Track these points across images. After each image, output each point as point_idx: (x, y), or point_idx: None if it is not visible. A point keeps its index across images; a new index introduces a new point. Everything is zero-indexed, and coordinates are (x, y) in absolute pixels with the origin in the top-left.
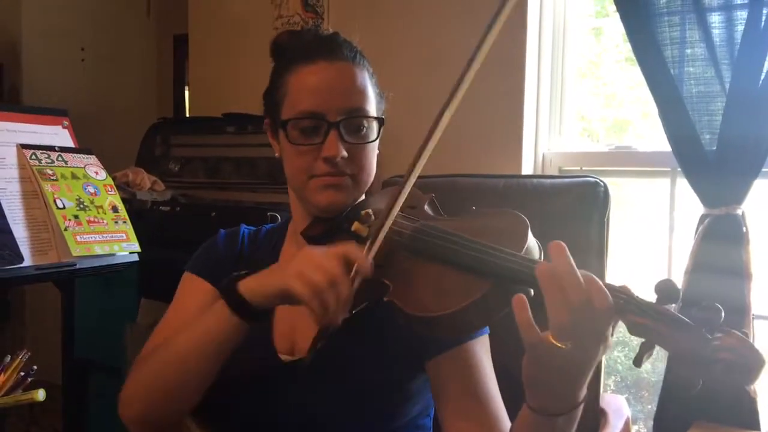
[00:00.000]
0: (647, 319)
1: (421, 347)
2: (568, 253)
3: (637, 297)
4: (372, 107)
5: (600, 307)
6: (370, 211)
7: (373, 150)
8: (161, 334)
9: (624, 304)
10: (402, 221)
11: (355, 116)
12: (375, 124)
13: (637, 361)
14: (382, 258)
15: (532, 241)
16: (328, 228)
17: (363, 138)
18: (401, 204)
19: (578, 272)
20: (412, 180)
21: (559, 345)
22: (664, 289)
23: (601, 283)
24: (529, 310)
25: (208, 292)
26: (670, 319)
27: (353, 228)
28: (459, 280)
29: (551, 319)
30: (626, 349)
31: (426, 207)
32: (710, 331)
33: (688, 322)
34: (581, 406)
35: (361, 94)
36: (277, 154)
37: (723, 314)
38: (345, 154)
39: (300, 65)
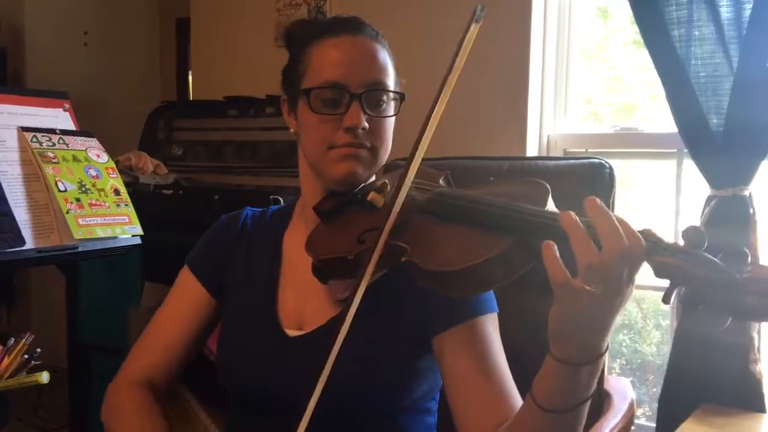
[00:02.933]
0: (675, 259)
1: (428, 323)
2: (601, 204)
3: (665, 239)
4: (392, 83)
5: (632, 249)
6: (386, 181)
7: (392, 126)
8: (157, 324)
9: (653, 246)
10: (420, 189)
11: (377, 89)
12: (394, 101)
13: (667, 298)
14: (400, 222)
15: (552, 206)
16: (340, 202)
17: (383, 112)
18: (413, 174)
19: (612, 216)
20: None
21: (590, 289)
22: (692, 234)
23: (632, 226)
24: (558, 253)
25: (197, 293)
26: (698, 258)
27: (369, 197)
28: (480, 237)
29: (580, 263)
30: (631, 332)
31: (441, 182)
32: (738, 270)
33: (717, 261)
34: (604, 357)
35: (383, 69)
36: (292, 130)
37: (749, 257)
38: (366, 125)
39: (323, 39)
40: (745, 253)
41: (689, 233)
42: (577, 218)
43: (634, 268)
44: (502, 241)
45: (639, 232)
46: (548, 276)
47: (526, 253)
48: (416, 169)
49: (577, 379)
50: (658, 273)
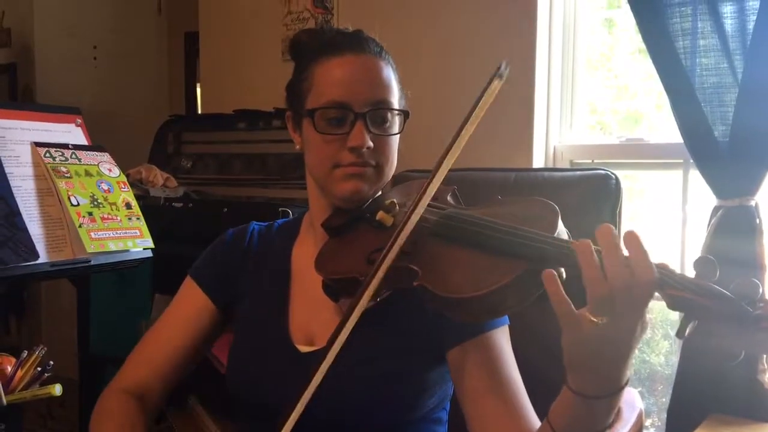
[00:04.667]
0: (688, 293)
1: (441, 337)
2: (615, 232)
3: (677, 272)
4: (396, 101)
5: (640, 281)
6: (395, 200)
7: (396, 142)
8: (157, 332)
9: (664, 278)
10: (428, 209)
11: (381, 108)
12: (398, 118)
13: (681, 333)
14: (410, 245)
15: (562, 228)
16: (349, 218)
17: (387, 130)
18: (429, 198)
19: (622, 246)
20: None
21: (595, 320)
22: (703, 265)
23: (647, 256)
24: (561, 285)
25: (200, 303)
26: (711, 293)
27: (378, 217)
28: (492, 263)
29: (589, 294)
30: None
31: (449, 198)
32: (750, 303)
33: (729, 295)
34: (623, 392)
35: (387, 87)
36: (297, 147)
37: (761, 289)
38: (371, 144)
39: (326, 57)
40: (756, 284)
41: (700, 264)
42: (594, 250)
43: (640, 302)
44: (514, 267)
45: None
46: (552, 305)
47: (538, 281)
48: (428, 199)
49: (592, 411)
50: (672, 306)
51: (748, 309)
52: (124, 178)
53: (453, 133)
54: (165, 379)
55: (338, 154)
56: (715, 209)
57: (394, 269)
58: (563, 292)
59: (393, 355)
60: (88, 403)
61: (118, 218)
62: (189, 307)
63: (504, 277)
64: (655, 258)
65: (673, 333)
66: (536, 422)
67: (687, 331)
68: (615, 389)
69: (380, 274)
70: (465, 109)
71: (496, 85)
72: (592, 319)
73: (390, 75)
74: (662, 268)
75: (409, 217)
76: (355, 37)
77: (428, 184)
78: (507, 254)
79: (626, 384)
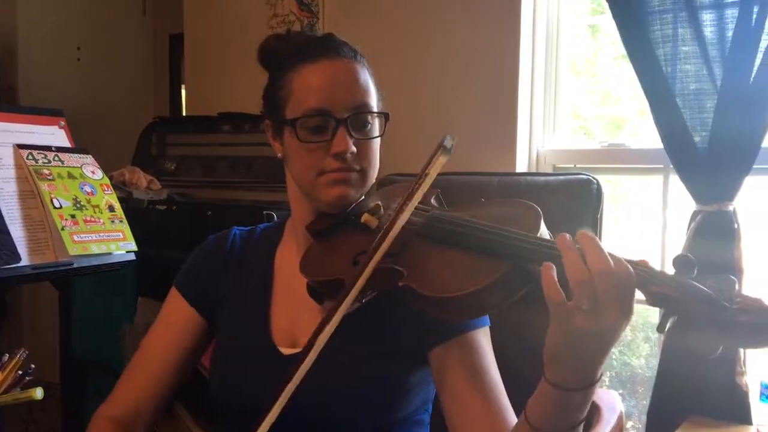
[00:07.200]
0: (667, 289)
1: (424, 338)
2: (592, 234)
3: (657, 269)
4: (375, 103)
5: (618, 272)
6: (379, 203)
7: (378, 145)
8: (146, 348)
9: (644, 275)
10: (413, 211)
11: (362, 112)
12: (379, 120)
13: (661, 327)
14: (396, 246)
15: (544, 229)
16: (334, 222)
17: (369, 133)
18: (417, 201)
19: (600, 243)
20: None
21: (581, 307)
22: (682, 262)
23: (619, 256)
24: (555, 273)
25: (186, 315)
26: (689, 288)
27: (363, 219)
28: (477, 262)
29: (571, 282)
30: (620, 344)
31: (432, 201)
32: (727, 299)
33: (707, 290)
34: (597, 385)
35: (365, 90)
36: (279, 155)
37: (738, 285)
38: (354, 149)
39: (302, 64)
40: (732, 281)
41: (679, 261)
42: (572, 240)
43: (623, 294)
44: (498, 267)
45: (633, 262)
46: (545, 296)
47: (521, 279)
48: (414, 205)
49: (569, 403)
50: (652, 302)
51: (725, 304)
52: (107, 181)
53: (436, 139)
54: (157, 399)
55: (322, 162)
56: (695, 214)
57: (379, 270)
58: (557, 283)
59: (375, 358)
60: (69, 407)
61: (101, 221)
62: (176, 320)
63: (488, 277)
64: (635, 255)
65: (654, 336)
66: (515, 421)
67: (667, 326)
68: (591, 382)
69: (365, 275)
70: (448, 114)
71: (442, 160)
72: (578, 306)
73: (367, 78)
74: (642, 265)
75: (396, 219)
76: (329, 42)
77: (414, 188)
78: (491, 254)
79: (600, 377)
